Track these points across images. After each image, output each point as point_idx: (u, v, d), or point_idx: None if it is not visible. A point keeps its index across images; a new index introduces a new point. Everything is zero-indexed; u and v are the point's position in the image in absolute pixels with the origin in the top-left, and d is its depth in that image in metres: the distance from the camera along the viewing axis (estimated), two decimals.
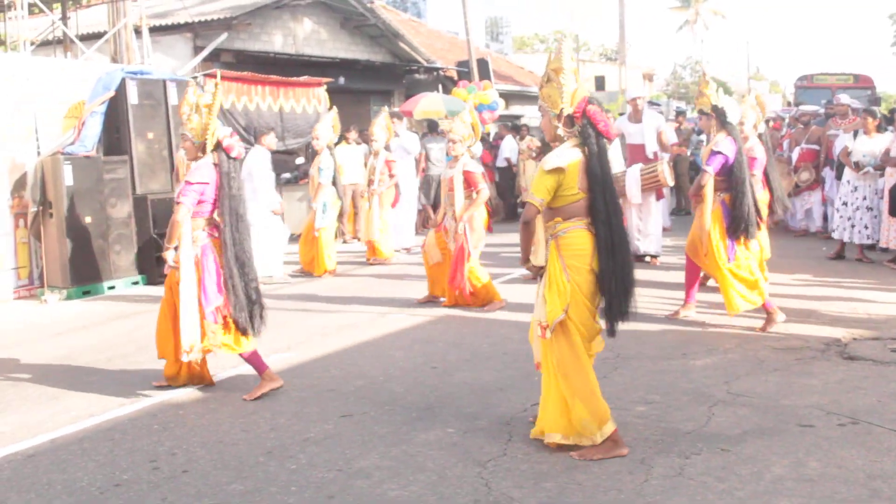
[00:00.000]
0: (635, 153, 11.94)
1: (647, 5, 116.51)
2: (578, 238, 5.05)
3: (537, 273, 5.24)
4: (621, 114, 13.94)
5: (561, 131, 5.11)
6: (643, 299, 8.04)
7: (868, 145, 11.94)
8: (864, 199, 11.98)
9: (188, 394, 6.59)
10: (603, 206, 5.02)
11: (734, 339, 7.83)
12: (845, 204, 12.21)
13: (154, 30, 16.77)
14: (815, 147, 15.04)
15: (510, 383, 6.59)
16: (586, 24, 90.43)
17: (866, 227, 11.96)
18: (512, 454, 5.10)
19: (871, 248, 12.34)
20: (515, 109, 27.74)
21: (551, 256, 5.09)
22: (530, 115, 26.84)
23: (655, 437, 5.35)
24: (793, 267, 11.47)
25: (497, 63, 30.23)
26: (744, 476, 4.73)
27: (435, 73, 24.31)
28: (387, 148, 13.51)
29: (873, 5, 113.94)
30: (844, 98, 16.10)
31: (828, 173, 14.92)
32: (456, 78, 24.20)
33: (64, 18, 16.84)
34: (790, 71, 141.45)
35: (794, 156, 15.05)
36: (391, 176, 13.39)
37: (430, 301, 9.91)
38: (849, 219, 12.09)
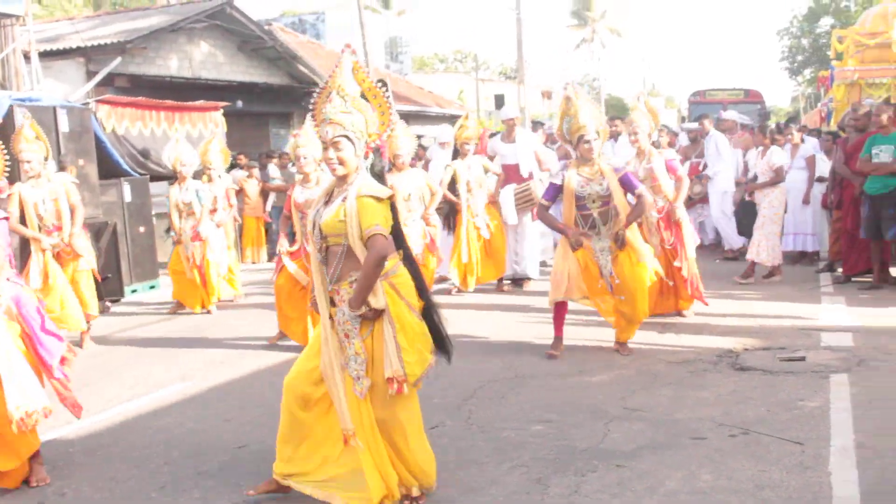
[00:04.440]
0: (509, 173, 11.89)
1: (544, 24, 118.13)
2: (405, 274, 4.71)
3: (375, 318, 4.60)
4: (493, 134, 14.00)
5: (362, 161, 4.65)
6: (539, 318, 8.12)
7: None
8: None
9: (78, 430, 6.40)
10: (401, 234, 4.77)
11: (630, 354, 7.91)
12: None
13: (45, 55, 16.38)
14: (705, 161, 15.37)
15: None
16: (485, 43, 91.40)
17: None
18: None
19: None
20: (415, 129, 27.78)
21: (390, 298, 4.59)
22: (431, 134, 26.92)
23: (552, 455, 5.37)
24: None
25: (397, 84, 30.28)
26: (638, 491, 4.77)
27: None
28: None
29: (763, 22, 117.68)
30: (730, 114, 16.57)
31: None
32: None
33: None
34: (686, 87, 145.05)
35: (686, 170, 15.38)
36: (230, 206, 12.57)
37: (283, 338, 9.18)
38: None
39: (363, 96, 4.63)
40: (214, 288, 11.35)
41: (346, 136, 4.53)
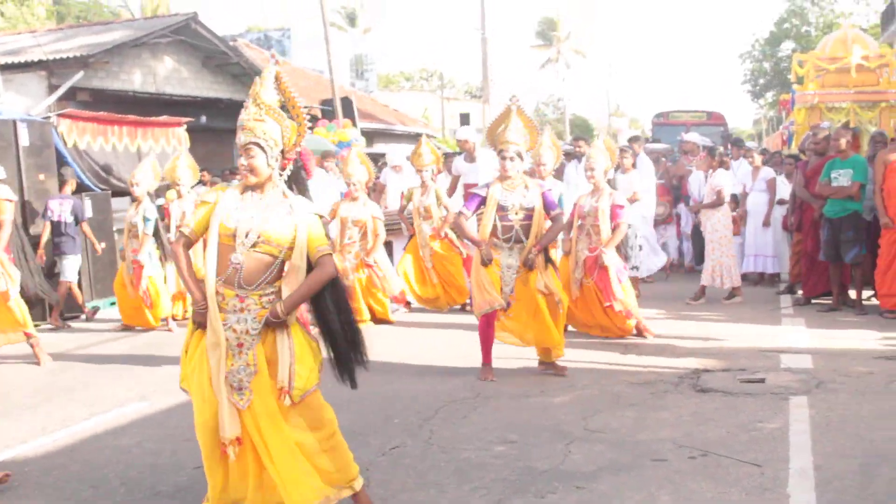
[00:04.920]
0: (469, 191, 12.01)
1: (510, 44, 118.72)
2: None
3: (278, 327, 4.60)
4: (455, 153, 14.07)
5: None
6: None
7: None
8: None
9: (35, 449, 6.30)
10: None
11: (592, 374, 7.92)
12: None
13: (6, 67, 16.21)
14: (665, 183, 15.53)
15: (369, 427, 6.52)
16: (451, 61, 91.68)
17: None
18: None
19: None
20: (380, 147, 27.78)
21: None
22: (397, 153, 26.93)
23: (513, 476, 5.35)
24: (647, 301, 11.73)
25: (362, 101, 30.27)
26: None
27: None
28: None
29: (726, 45, 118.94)
30: (691, 136, 16.76)
31: (682, 209, 15.45)
32: (320, 116, 24.17)
33: None
34: (650, 107, 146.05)
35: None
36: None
37: None
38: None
39: (283, 108, 4.63)
40: (161, 307, 11.24)
41: (258, 144, 4.51)
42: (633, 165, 12.92)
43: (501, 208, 7.73)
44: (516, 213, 7.71)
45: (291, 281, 4.54)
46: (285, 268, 4.56)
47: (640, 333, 9.54)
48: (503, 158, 7.74)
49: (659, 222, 15.07)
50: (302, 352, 4.57)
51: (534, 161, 9.12)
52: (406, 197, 11.98)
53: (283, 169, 4.62)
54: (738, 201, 13.63)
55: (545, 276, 7.78)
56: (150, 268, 11.19)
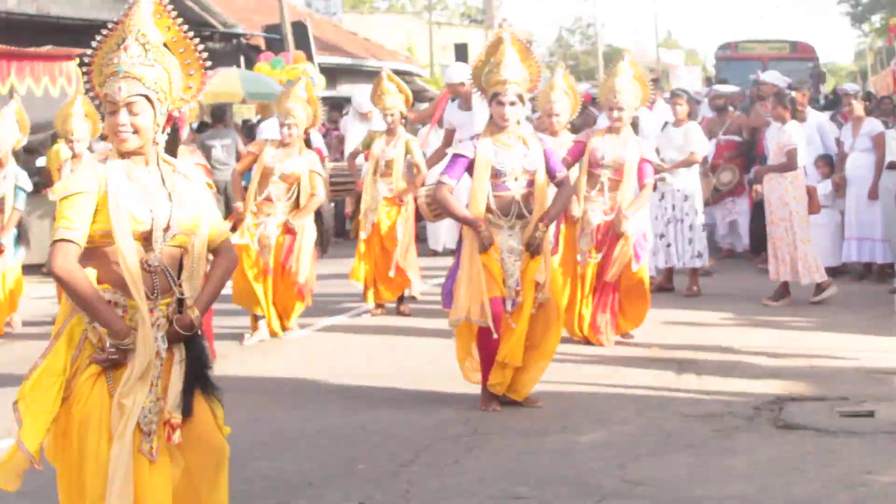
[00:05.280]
0: None
1: None
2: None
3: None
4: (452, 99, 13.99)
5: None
6: None
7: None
8: None
9: None
10: None
11: (633, 403, 7.87)
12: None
13: None
14: (736, 138, 15.48)
15: (327, 476, 6.42)
16: None
17: None
18: None
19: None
20: (345, 89, 27.73)
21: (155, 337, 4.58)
22: (367, 96, 26.89)
23: None
24: (712, 302, 11.64)
25: (322, 27, 30.30)
26: None
27: (235, 42, 24.05)
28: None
29: None
30: (770, 75, 16.64)
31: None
32: (263, 48, 24.11)
33: None
34: (712, 38, 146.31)
35: (710, 151, 15.32)
36: None
37: None
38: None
39: (166, 48, 4.59)
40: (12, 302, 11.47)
41: (146, 97, 4.44)
42: (689, 115, 12.88)
43: (497, 173, 7.65)
44: (516, 180, 7.66)
45: (195, 277, 4.57)
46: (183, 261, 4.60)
47: (624, 334, 9.94)
48: (500, 104, 7.66)
49: (725, 193, 14.98)
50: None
51: (543, 110, 9.06)
52: (364, 141, 11.88)
53: (162, 131, 4.59)
54: (832, 164, 13.51)
55: (548, 266, 7.79)
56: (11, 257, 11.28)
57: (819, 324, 10.70)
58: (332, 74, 25.53)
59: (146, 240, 4.44)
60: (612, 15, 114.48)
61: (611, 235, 9.44)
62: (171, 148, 4.69)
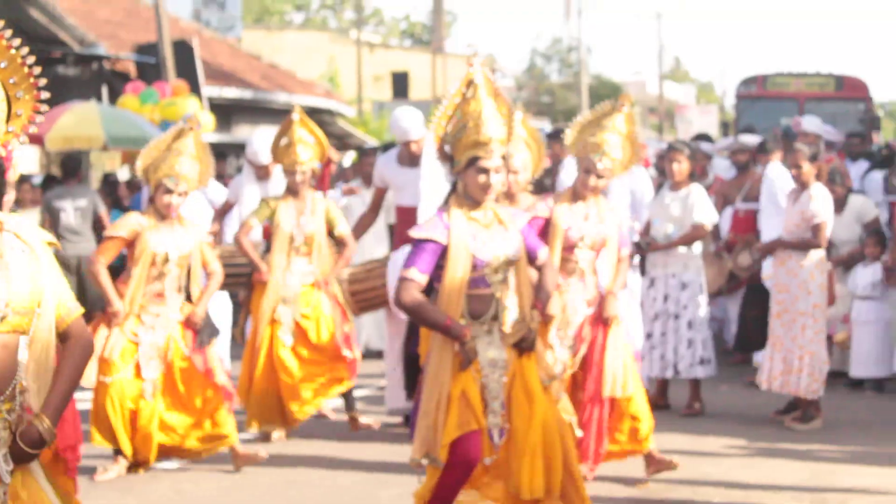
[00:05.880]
0: (405, 221, 11.29)
1: None
2: None
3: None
4: (379, 148, 13.82)
5: None
6: None
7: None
8: None
9: None
10: None
11: None
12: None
13: None
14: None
15: None
16: None
17: None
18: None
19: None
20: (242, 132, 27.59)
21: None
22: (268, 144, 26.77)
23: None
24: (719, 423, 11.77)
25: (213, 49, 30.33)
26: None
27: (96, 66, 24.06)
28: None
29: None
30: (809, 123, 16.64)
31: None
32: (133, 75, 24.06)
33: None
34: (733, 70, 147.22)
35: (725, 223, 15.27)
36: None
37: None
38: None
39: None
40: None
41: None
42: (702, 172, 12.95)
43: (476, 265, 7.36)
44: (496, 272, 7.38)
45: (41, 371, 4.54)
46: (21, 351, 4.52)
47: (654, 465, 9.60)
48: (482, 171, 7.32)
49: (744, 280, 14.76)
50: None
51: None
52: (260, 213, 11.48)
53: None
54: (884, 242, 13.54)
55: (544, 362, 7.71)
56: None
57: (859, 454, 10.66)
58: (225, 112, 25.51)
59: None
60: (601, 37, 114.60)
61: (595, 327, 9.29)
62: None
